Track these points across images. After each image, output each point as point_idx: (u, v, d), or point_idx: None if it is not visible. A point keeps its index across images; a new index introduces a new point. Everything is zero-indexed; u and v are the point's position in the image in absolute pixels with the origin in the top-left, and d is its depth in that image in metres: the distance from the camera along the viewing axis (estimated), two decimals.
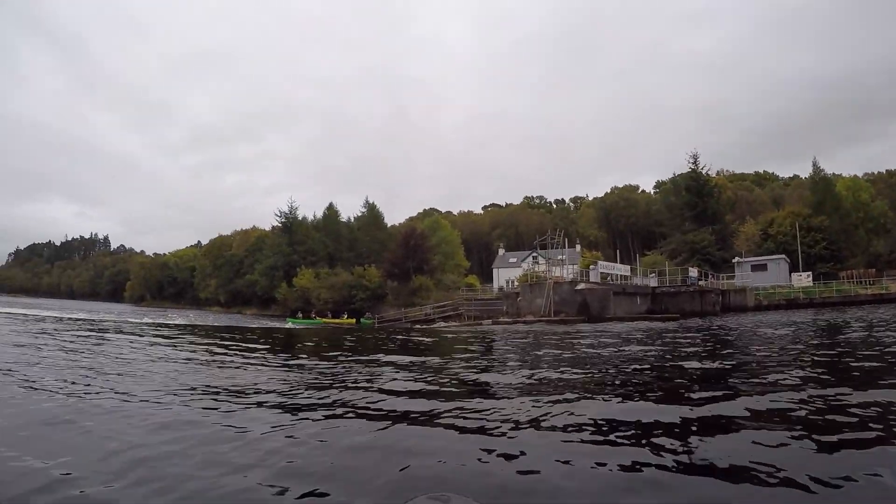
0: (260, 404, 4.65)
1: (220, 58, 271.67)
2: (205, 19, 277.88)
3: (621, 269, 25.89)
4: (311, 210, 70.15)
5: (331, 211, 64.96)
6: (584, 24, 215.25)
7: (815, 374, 5.70)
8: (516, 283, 46.13)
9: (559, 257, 58.96)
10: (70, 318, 21.35)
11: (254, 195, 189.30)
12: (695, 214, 53.95)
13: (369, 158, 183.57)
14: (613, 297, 21.70)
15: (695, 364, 6.82)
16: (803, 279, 38.26)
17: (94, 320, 21.23)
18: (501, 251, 64.54)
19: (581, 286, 21.07)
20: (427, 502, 2.29)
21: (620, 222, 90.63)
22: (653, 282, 30.48)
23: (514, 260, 59.53)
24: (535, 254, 59.53)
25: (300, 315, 43.36)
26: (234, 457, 3.02)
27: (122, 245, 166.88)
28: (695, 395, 4.52)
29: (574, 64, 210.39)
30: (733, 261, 43.92)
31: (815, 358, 7.49)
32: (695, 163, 57.34)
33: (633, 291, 24.68)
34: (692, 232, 50.94)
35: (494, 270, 60.49)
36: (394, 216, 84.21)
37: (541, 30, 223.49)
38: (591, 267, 23.64)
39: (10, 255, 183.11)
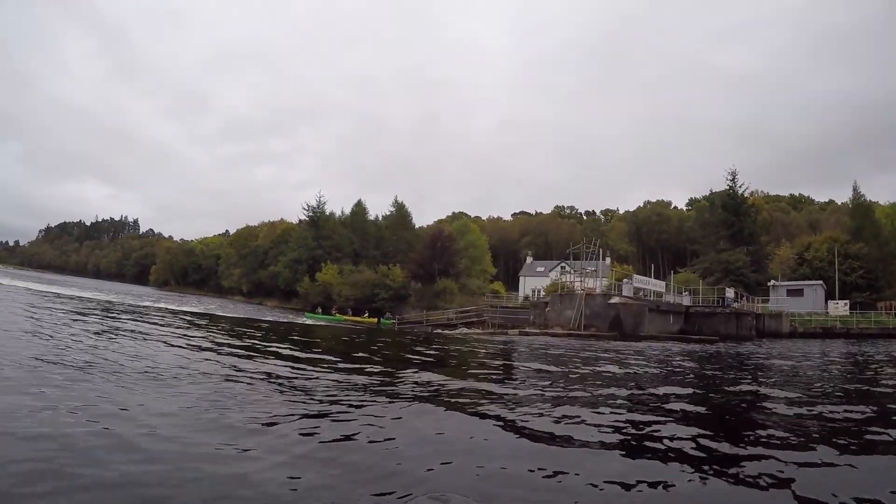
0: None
1: (257, 52, 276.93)
2: (245, 14, 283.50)
3: (655, 285, 24.75)
4: (339, 207, 70.49)
5: (359, 208, 64.89)
6: (620, 35, 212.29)
7: None
8: (543, 293, 45.18)
9: (590, 269, 57.71)
10: (71, 296, 20.95)
11: (284, 189, 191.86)
12: (730, 234, 52.37)
13: (399, 159, 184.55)
14: (647, 313, 20.73)
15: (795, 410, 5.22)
16: (840, 307, 36.57)
17: (99, 300, 20.90)
18: (529, 259, 63.40)
19: (615, 300, 20.12)
20: (427, 502, 2.26)
21: (651, 237, 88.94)
22: (685, 300, 29.33)
23: (542, 269, 58.44)
24: (563, 264, 58.49)
25: (319, 310, 42.87)
26: None
27: (151, 229, 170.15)
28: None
29: (608, 74, 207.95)
30: (769, 284, 42.34)
31: None
32: (733, 180, 55.72)
33: (666, 309, 23.62)
34: (727, 251, 49.35)
35: (521, 278, 59.49)
36: (421, 218, 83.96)
37: (577, 38, 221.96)
38: (625, 280, 22.66)
39: (40, 231, 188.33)
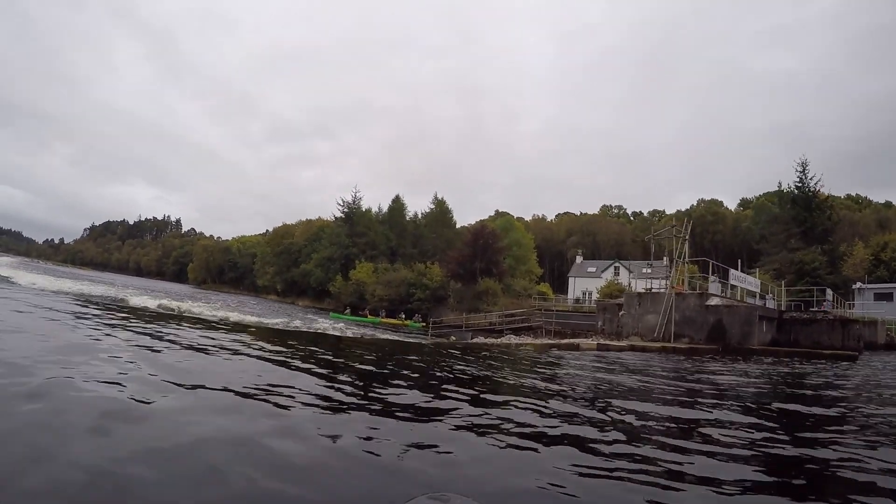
0: None
1: (303, 57, 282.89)
2: (292, 18, 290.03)
3: (752, 284, 20.59)
4: (378, 205, 67.90)
5: (397, 203, 61.97)
6: (664, 41, 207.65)
7: None
8: (596, 295, 41.25)
9: (644, 270, 53.05)
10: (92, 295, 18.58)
11: (328, 191, 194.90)
12: (802, 231, 47.20)
13: (442, 163, 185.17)
14: (758, 321, 16.80)
15: None
16: None
17: (112, 297, 18.43)
18: (579, 259, 59.03)
19: (714, 301, 16.16)
20: (427, 502, 2.09)
21: (706, 238, 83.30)
22: (769, 304, 25.08)
23: (594, 269, 54.41)
24: (617, 264, 54.31)
25: (348, 311, 39.77)
26: None
27: (193, 228, 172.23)
28: None
29: (652, 80, 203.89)
30: (854, 287, 37.54)
31: None
32: (803, 171, 50.50)
33: (762, 315, 19.54)
34: (800, 251, 44.28)
35: (570, 279, 55.45)
36: (463, 220, 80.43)
37: (620, 45, 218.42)
38: (712, 279, 18.64)
39: (85, 230, 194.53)
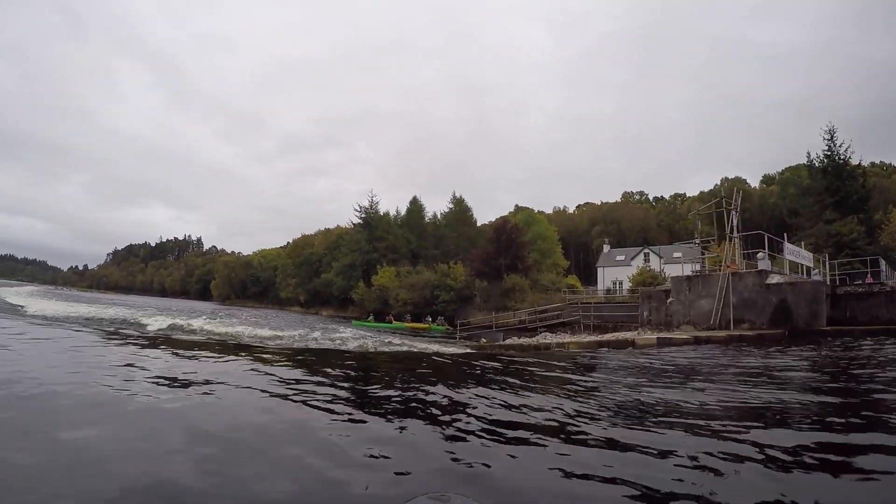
0: None
1: (306, 70, 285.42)
2: (290, 34, 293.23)
3: (806, 259, 19.26)
4: (394, 209, 66.93)
5: (415, 205, 61.11)
6: (659, 21, 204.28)
7: None
8: (628, 284, 39.87)
9: (675, 254, 51.31)
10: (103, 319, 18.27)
11: (343, 199, 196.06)
12: (836, 201, 45.24)
13: (454, 163, 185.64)
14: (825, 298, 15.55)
15: None
16: None
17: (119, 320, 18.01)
18: (606, 248, 57.39)
19: (776, 279, 14.92)
20: (427, 502, 2.17)
21: (733, 217, 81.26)
22: (816, 278, 23.70)
23: (622, 257, 52.97)
24: (646, 250, 52.79)
25: (371, 318, 38.72)
26: None
27: (214, 246, 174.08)
28: None
29: (654, 62, 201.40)
30: None
31: None
32: (831, 139, 48.41)
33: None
34: (836, 222, 42.40)
35: (599, 270, 54.02)
36: (481, 219, 78.88)
37: (618, 29, 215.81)
38: (759, 255, 17.33)
39: (108, 255, 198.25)
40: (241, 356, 8.68)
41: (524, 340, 21.12)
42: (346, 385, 6.18)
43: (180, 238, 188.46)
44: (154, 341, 10.70)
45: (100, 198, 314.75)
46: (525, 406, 4.75)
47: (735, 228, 17.82)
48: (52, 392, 4.66)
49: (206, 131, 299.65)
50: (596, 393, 5.67)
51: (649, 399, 5.15)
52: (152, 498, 2.45)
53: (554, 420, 4.18)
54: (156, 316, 18.75)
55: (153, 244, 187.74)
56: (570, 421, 4.12)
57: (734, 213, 17.86)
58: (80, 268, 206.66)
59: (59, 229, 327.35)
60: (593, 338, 19.02)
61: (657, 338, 12.47)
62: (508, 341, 20.45)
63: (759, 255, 17.87)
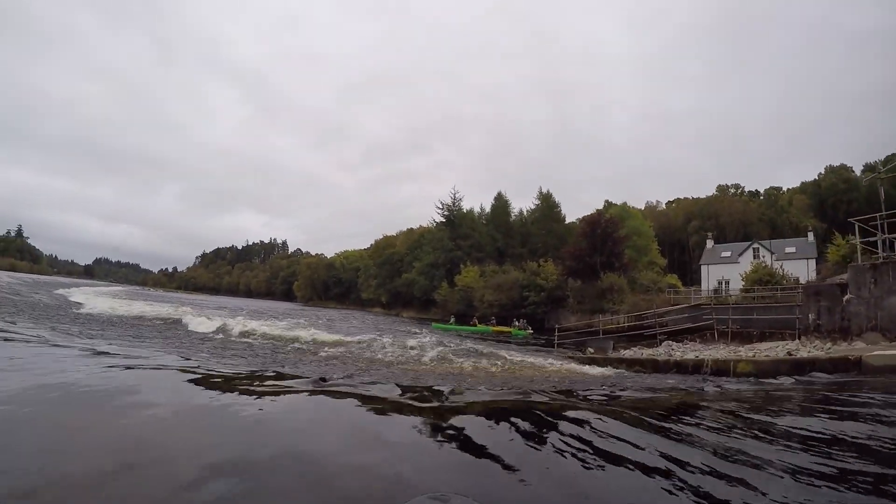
0: None
1: (389, 78, 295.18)
2: (372, 45, 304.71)
3: None
4: (480, 206, 64.62)
5: (499, 201, 58.65)
6: (740, 8, 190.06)
7: None
8: (739, 283, 35.10)
9: (787, 249, 45.59)
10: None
11: (427, 204, 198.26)
12: None
13: (538, 164, 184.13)
14: None
15: None
16: None
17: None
18: (710, 243, 51.96)
19: None
20: (427, 502, 2.16)
21: (840, 209, 72.30)
22: None
23: (729, 254, 47.81)
24: (755, 245, 47.37)
25: (452, 320, 36.55)
26: None
27: (299, 249, 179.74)
28: None
29: (735, 52, 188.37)
30: None
31: None
32: None
33: None
34: None
35: (703, 268, 49.08)
36: (569, 218, 74.35)
37: (696, 21, 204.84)
38: None
39: (197, 257, 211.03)
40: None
41: (644, 352, 18.10)
42: None
43: (266, 242, 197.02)
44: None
45: (192, 205, 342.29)
46: None
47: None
48: None
49: (294, 141, 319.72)
50: None
51: None
52: None
53: None
54: (212, 317, 18.06)
55: (240, 247, 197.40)
56: None
57: None
58: (170, 270, 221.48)
59: (153, 235, 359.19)
60: (740, 348, 15.73)
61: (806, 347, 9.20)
62: (627, 353, 17.47)
63: None
